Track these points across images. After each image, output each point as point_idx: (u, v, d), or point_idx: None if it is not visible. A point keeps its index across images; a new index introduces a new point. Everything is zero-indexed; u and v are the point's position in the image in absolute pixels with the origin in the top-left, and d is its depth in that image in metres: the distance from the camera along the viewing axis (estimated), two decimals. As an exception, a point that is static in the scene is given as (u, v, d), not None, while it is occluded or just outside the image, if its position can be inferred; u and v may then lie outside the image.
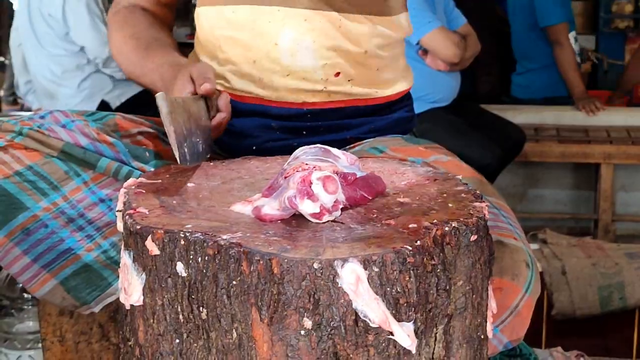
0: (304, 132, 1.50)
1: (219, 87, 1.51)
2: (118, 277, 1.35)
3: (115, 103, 4.01)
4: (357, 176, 1.04)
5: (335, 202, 0.98)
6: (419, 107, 1.92)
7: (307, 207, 0.97)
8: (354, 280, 0.87)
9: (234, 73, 1.50)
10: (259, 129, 1.50)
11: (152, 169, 1.34)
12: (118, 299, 1.07)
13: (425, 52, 3.31)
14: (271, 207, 0.99)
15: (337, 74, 1.48)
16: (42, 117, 1.42)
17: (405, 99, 1.61)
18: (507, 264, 1.22)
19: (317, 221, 0.98)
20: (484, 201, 1.06)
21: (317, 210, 0.97)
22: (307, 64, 1.46)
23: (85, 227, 1.38)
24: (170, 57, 1.45)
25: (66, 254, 1.38)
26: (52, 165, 1.37)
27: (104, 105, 3.99)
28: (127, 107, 3.93)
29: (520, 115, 4.06)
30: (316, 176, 0.98)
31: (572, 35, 4.28)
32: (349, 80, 1.49)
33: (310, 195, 0.97)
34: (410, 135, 1.60)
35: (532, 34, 4.29)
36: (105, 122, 1.45)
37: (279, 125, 1.49)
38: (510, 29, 4.44)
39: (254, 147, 1.49)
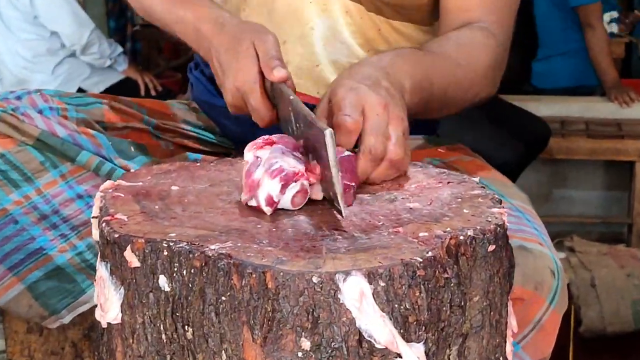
0: None
1: None
2: (93, 283, 1.35)
3: (93, 91, 4.01)
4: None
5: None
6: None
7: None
8: (357, 295, 0.88)
9: None
10: None
11: (137, 167, 1.34)
12: (92, 310, 1.07)
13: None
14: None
15: None
16: (18, 98, 1.41)
17: None
18: (530, 271, 1.22)
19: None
20: (503, 206, 1.06)
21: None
22: (339, 58, 1.47)
23: (60, 225, 1.38)
24: (210, 9, 1.36)
25: (36, 254, 1.38)
26: (27, 154, 1.37)
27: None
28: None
29: (544, 107, 4.07)
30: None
31: (608, 15, 4.27)
32: None
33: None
34: (434, 136, 1.61)
35: (560, 15, 4.29)
36: (90, 111, 1.45)
37: None
38: (534, 9, 4.44)
39: None
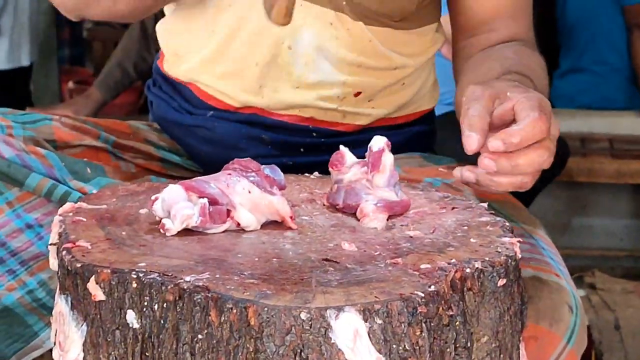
0: (302, 150, 1.54)
1: (196, 84, 1.54)
2: (46, 325, 1.36)
3: None
4: None
5: None
6: (431, 111, 1.97)
7: None
8: (351, 334, 0.89)
9: (225, 74, 1.53)
10: (247, 140, 1.53)
11: (95, 190, 1.36)
12: (47, 354, 1.08)
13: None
14: None
15: (358, 93, 1.53)
16: None
17: (427, 113, 1.67)
18: (546, 306, 1.24)
19: None
20: (515, 235, 1.09)
21: None
22: (324, 78, 1.51)
23: (7, 259, 1.39)
24: None
25: None
26: None
27: None
28: None
29: (562, 122, 4.06)
30: None
31: None
32: (369, 101, 1.55)
33: None
34: (430, 153, 1.65)
35: (599, 15, 4.22)
36: (38, 128, 1.47)
37: (272, 139, 1.53)
38: (558, 8, 4.38)
39: None
